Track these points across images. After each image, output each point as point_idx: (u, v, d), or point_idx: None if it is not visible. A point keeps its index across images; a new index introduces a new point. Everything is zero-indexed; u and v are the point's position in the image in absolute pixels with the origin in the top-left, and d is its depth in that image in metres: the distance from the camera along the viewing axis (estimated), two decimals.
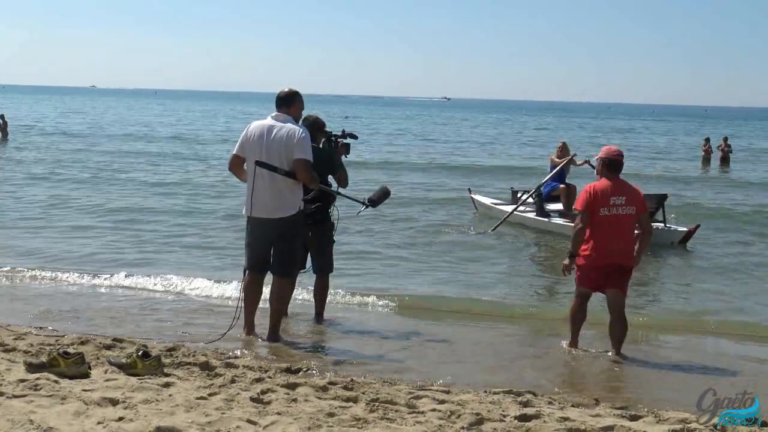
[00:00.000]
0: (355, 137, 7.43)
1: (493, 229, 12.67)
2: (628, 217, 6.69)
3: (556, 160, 13.69)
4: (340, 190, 7.14)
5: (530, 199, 13.87)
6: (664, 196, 13.10)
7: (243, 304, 6.72)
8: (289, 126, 6.42)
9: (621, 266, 6.71)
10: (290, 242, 6.58)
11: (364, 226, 12.85)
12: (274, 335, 6.73)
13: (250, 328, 6.81)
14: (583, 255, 6.72)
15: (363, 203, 7.05)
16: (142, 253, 11.18)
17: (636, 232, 6.87)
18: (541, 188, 13.71)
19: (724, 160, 29.54)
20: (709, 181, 24.19)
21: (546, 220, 13.47)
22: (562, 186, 13.61)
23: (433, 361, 6.55)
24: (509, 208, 13.94)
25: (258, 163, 6.37)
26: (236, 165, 6.67)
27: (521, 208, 13.79)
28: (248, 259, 6.70)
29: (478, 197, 15.92)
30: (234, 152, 6.64)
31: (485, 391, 5.39)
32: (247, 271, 6.73)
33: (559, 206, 13.70)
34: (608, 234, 6.62)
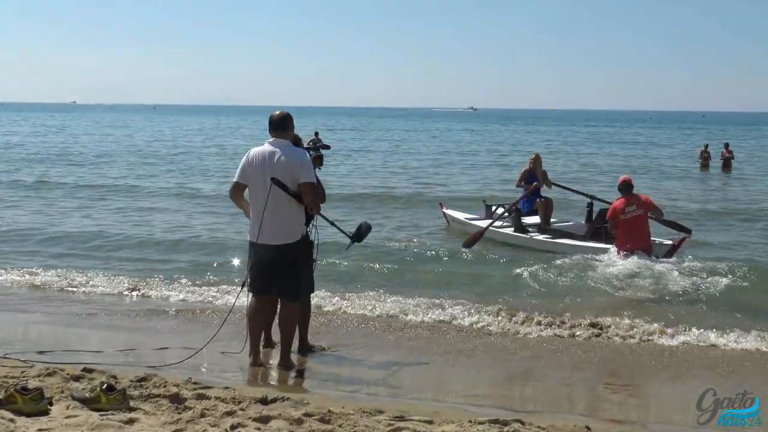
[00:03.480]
0: (327, 147, 7.36)
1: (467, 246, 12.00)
2: (640, 217, 10.76)
3: (525, 185, 13.67)
4: (327, 218, 7.03)
5: (506, 214, 13.60)
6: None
7: (248, 331, 6.62)
8: (290, 150, 6.38)
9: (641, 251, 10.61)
10: (296, 267, 6.46)
11: (347, 252, 12.22)
12: (286, 361, 6.56)
13: (255, 356, 6.59)
14: (618, 243, 10.82)
15: (350, 237, 6.99)
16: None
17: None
18: (518, 204, 13.48)
19: (726, 166, 29.55)
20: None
21: (525, 236, 13.01)
22: (539, 200, 13.51)
23: (415, 386, 6.29)
24: (484, 224, 13.37)
25: (273, 180, 6.26)
26: (238, 193, 6.58)
27: (497, 223, 13.27)
28: (252, 284, 6.56)
29: (450, 212, 15.41)
30: (235, 180, 6.54)
31: (470, 421, 5.06)
32: (250, 296, 6.58)
33: (536, 220, 13.42)
34: (628, 230, 10.73)
